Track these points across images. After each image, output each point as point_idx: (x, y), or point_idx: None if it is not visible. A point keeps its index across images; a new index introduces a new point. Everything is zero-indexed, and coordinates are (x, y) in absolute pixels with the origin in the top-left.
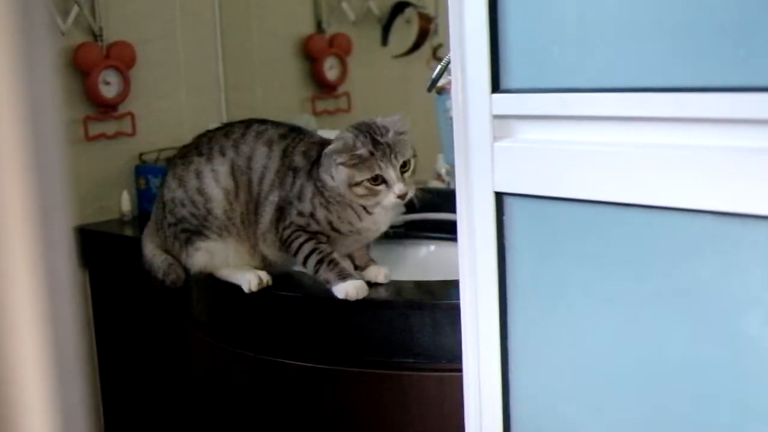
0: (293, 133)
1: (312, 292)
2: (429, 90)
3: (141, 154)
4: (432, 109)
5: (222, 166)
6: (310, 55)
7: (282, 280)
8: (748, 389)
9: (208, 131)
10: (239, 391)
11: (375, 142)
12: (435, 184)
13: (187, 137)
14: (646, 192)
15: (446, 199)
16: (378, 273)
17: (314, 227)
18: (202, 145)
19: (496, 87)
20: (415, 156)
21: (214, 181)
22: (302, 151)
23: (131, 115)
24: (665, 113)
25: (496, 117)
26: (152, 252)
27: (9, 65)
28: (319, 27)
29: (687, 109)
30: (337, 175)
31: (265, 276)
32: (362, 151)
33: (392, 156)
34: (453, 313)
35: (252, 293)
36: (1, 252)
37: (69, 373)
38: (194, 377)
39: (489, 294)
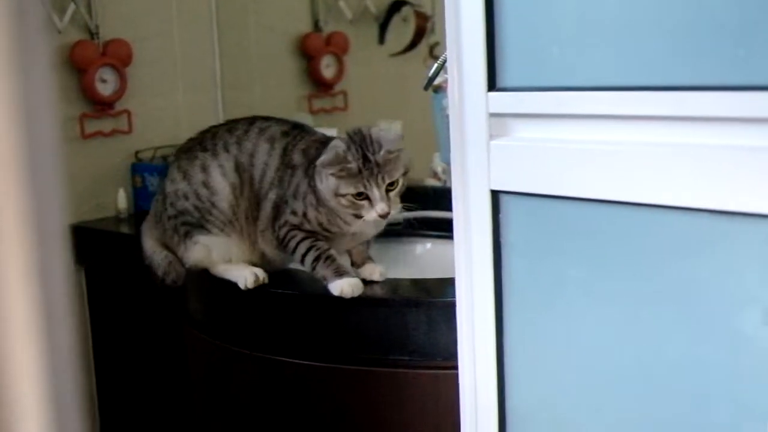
0: (296, 130)
1: (308, 290)
2: (425, 88)
3: (137, 152)
4: (428, 107)
5: (228, 162)
6: (307, 53)
7: (278, 277)
8: (745, 388)
9: (213, 127)
10: (236, 389)
11: (365, 159)
12: (431, 182)
13: (184, 135)
14: (644, 190)
15: (442, 197)
16: (373, 271)
17: (307, 227)
18: (206, 141)
19: (492, 85)
20: (405, 174)
21: (222, 176)
22: (302, 149)
23: (127, 112)
24: (663, 112)
25: (493, 115)
26: (152, 248)
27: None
28: (316, 25)
29: (684, 108)
30: (325, 182)
31: (261, 273)
32: (351, 165)
33: (379, 176)
34: (449, 311)
35: (248, 290)
36: None
37: (64, 372)
38: (191, 375)
39: (485, 292)
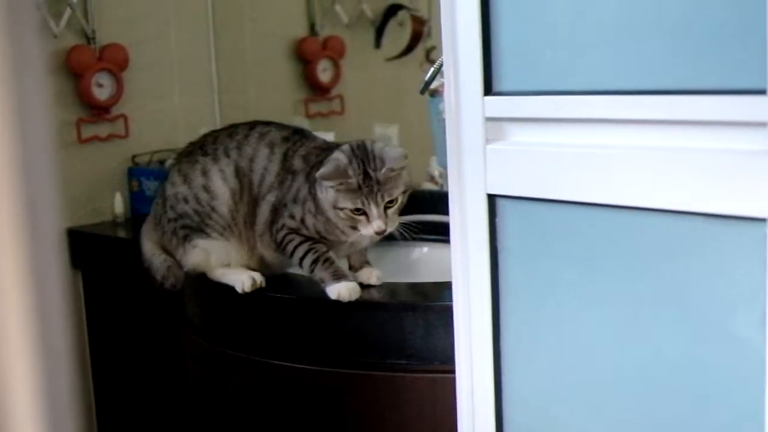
0: (296, 135)
1: (305, 294)
2: (422, 92)
3: (134, 156)
4: (425, 111)
5: (228, 167)
6: (304, 57)
7: (275, 281)
8: (740, 389)
9: (214, 131)
10: (233, 393)
11: (365, 175)
12: (428, 186)
13: (181, 139)
14: (639, 194)
15: (439, 201)
16: (370, 275)
17: (305, 232)
18: (207, 145)
19: (488, 90)
20: (405, 192)
21: (222, 180)
22: (302, 155)
23: (124, 117)
24: (657, 115)
25: (489, 119)
26: (151, 251)
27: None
28: (312, 29)
29: (679, 112)
30: (324, 193)
31: (258, 277)
32: (351, 180)
33: (378, 194)
34: (446, 315)
35: (245, 294)
36: None
37: (60, 376)
38: (188, 379)
39: (481, 296)
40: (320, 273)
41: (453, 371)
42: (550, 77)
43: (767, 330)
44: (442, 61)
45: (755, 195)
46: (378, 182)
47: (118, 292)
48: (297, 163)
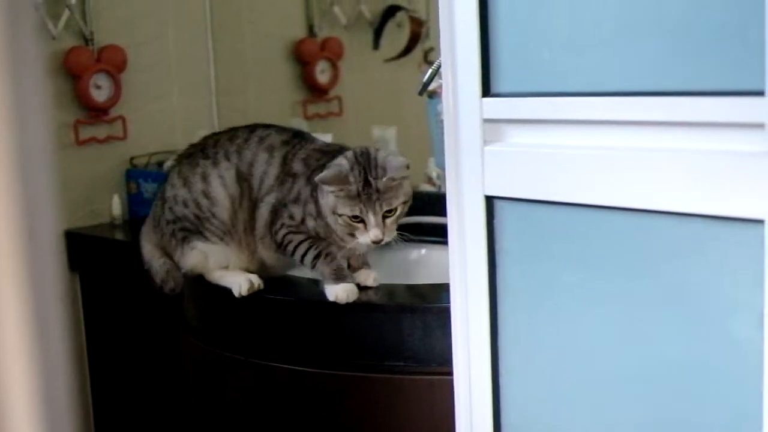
0: (296, 139)
1: (303, 296)
2: (420, 94)
3: (132, 158)
4: (423, 112)
5: (228, 172)
6: (302, 58)
7: (273, 283)
8: (738, 391)
9: (215, 134)
10: (231, 395)
11: (366, 182)
12: (426, 187)
13: (179, 141)
14: (637, 195)
15: (437, 203)
16: (368, 276)
17: (303, 230)
18: (207, 148)
19: (486, 91)
20: (405, 202)
21: (222, 187)
22: (302, 158)
23: (122, 119)
24: (655, 117)
25: (487, 121)
26: (150, 253)
27: None
28: (310, 31)
29: (677, 113)
30: (325, 198)
31: (256, 280)
32: (351, 187)
33: (377, 203)
34: (443, 317)
35: (243, 297)
36: None
37: (57, 379)
38: (186, 382)
39: (479, 297)
40: (322, 267)
41: (451, 373)
42: (549, 79)
43: (765, 330)
44: (441, 63)
45: (754, 196)
46: (378, 191)
47: (115, 295)
48: (297, 166)
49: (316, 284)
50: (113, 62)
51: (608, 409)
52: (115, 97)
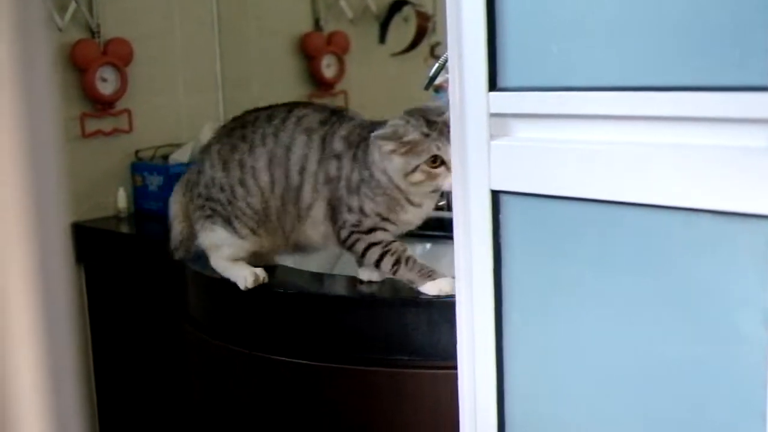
0: (334, 117)
1: (308, 289)
2: (426, 88)
3: (137, 151)
4: None
5: (259, 161)
6: (308, 52)
7: (278, 276)
8: (744, 388)
9: (255, 110)
10: (235, 389)
11: (429, 123)
12: None
13: (185, 134)
14: (643, 191)
15: (442, 197)
16: (372, 272)
17: (367, 223)
18: (246, 128)
19: (493, 85)
20: None
21: (253, 179)
22: (343, 136)
23: (128, 112)
24: (663, 112)
25: (493, 115)
26: (176, 214)
27: (6, 62)
28: (317, 25)
29: (686, 108)
30: (390, 165)
31: (261, 273)
32: (413, 135)
33: (449, 135)
34: (448, 311)
35: (247, 290)
36: None
37: (63, 370)
38: (190, 374)
39: (484, 292)
40: (407, 274)
41: (455, 368)
42: (555, 73)
43: None
44: (447, 57)
45: (761, 192)
46: (446, 124)
47: (120, 287)
48: (338, 145)
49: (320, 277)
50: (119, 55)
51: (612, 405)
52: (121, 90)
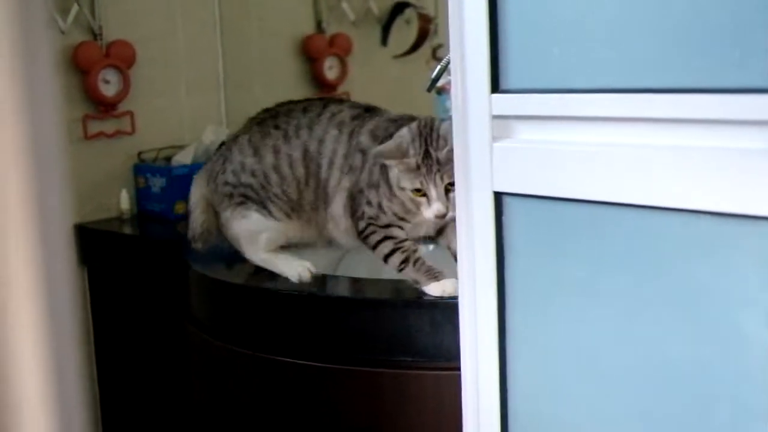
0: (367, 113)
1: (311, 290)
2: (429, 90)
3: (140, 153)
4: (432, 109)
5: (296, 151)
6: (310, 54)
7: (281, 277)
8: (746, 389)
9: (289, 102)
10: (238, 389)
11: (426, 154)
12: None
13: (187, 136)
14: (645, 192)
15: None
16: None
17: (384, 219)
18: (280, 117)
19: (495, 87)
20: None
21: (289, 168)
22: (370, 130)
23: (130, 113)
24: (664, 114)
25: (496, 117)
26: (197, 202)
27: (9, 64)
28: (319, 27)
29: (684, 110)
30: (392, 171)
31: (312, 267)
32: (411, 160)
33: (437, 175)
34: (451, 313)
35: (250, 291)
36: (1, 250)
37: (67, 371)
38: (193, 375)
39: (487, 293)
40: (413, 274)
41: (458, 369)
42: (558, 75)
43: None
44: (449, 59)
45: (762, 193)
46: (438, 162)
47: (123, 289)
48: (364, 139)
49: (324, 278)
50: (122, 57)
51: (615, 406)
52: (123, 92)
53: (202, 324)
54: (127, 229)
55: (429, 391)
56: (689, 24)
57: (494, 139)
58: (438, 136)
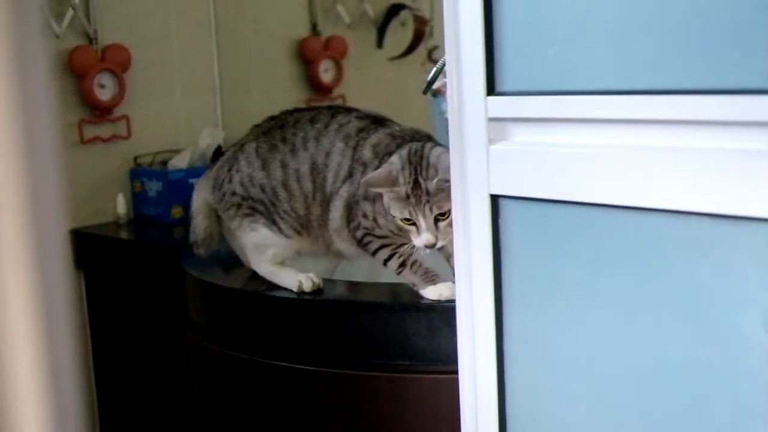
0: (373, 125)
1: (308, 295)
2: (424, 92)
3: (136, 157)
4: (427, 111)
5: (303, 165)
6: (306, 57)
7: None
8: (744, 389)
9: (297, 109)
10: (235, 394)
11: (415, 184)
12: None
13: (182, 140)
14: (642, 194)
15: None
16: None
17: (379, 232)
18: (287, 128)
19: (491, 90)
20: None
21: (297, 182)
22: (372, 144)
23: (126, 118)
24: (660, 115)
25: (492, 120)
26: (199, 208)
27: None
28: (314, 29)
29: (682, 112)
30: (384, 197)
31: (316, 278)
32: (400, 189)
33: (426, 206)
34: (449, 316)
35: (247, 295)
36: None
37: (64, 376)
38: (190, 380)
39: (485, 296)
40: (411, 277)
41: (456, 372)
42: (553, 77)
43: None
44: (445, 61)
45: (761, 195)
46: (427, 193)
47: (120, 293)
48: (366, 153)
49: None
50: (117, 61)
51: (614, 407)
52: (119, 96)
53: (199, 328)
54: (124, 234)
55: (426, 394)
56: (688, 22)
57: (490, 141)
58: (428, 164)
